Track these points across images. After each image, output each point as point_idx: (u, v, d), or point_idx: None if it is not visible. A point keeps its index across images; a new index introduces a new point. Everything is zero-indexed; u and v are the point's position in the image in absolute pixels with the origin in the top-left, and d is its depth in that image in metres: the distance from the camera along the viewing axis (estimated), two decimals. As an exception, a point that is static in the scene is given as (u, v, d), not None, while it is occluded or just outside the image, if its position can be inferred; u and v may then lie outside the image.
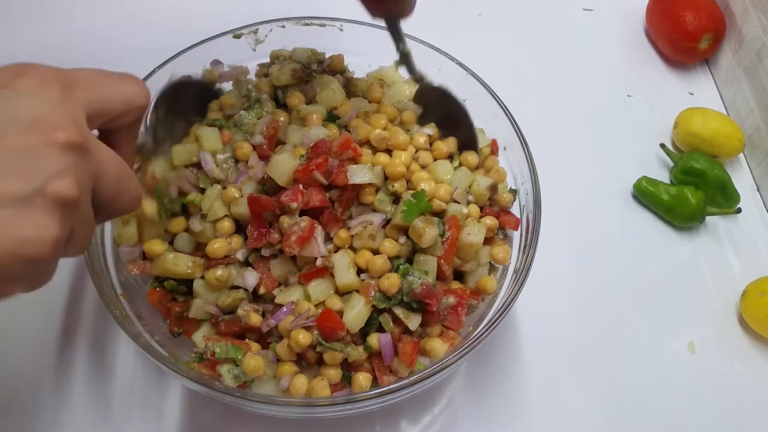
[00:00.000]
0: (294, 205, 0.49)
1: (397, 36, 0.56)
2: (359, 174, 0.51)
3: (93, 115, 0.35)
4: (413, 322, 0.50)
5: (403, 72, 0.64)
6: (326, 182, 0.50)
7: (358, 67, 0.63)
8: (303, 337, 0.47)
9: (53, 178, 0.30)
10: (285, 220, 0.49)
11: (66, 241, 0.32)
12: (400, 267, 0.51)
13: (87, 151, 0.32)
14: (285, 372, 0.48)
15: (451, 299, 0.51)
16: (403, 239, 0.51)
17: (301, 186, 0.50)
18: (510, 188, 0.59)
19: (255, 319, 0.49)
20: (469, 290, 0.53)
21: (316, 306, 0.49)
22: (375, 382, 0.50)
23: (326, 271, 0.50)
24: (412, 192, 0.52)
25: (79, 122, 0.32)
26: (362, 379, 0.49)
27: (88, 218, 0.34)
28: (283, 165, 0.50)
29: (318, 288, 0.50)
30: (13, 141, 0.30)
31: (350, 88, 0.60)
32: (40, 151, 0.30)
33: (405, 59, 0.57)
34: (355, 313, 0.48)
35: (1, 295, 0.30)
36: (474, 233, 0.52)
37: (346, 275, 0.49)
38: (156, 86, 0.59)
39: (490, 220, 0.54)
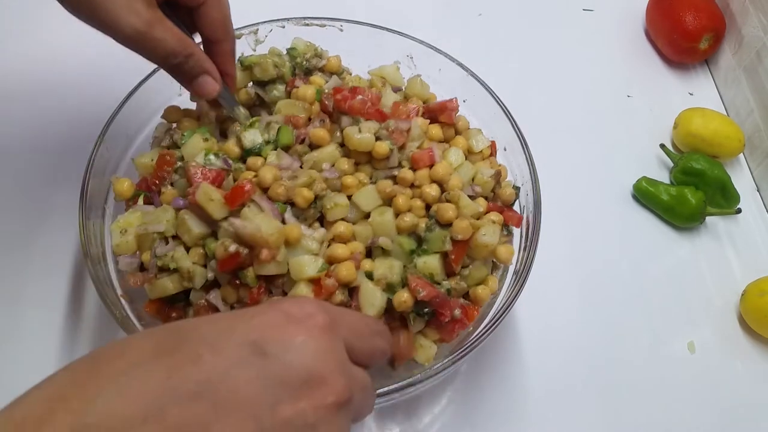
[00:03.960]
0: None
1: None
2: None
3: (349, 349, 0.34)
4: (416, 325, 0.50)
5: (404, 71, 0.65)
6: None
7: (358, 67, 0.63)
8: None
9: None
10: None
11: None
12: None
13: (350, 401, 0.31)
14: None
15: (458, 312, 0.50)
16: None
17: None
18: (514, 185, 0.58)
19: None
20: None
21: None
22: None
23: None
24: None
25: (344, 368, 0.32)
26: None
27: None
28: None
29: None
30: (284, 412, 0.28)
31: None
32: (312, 419, 0.29)
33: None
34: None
35: None
36: (489, 234, 0.51)
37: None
38: (156, 86, 0.59)
39: (495, 216, 0.53)
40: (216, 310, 0.49)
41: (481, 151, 0.59)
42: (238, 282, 0.48)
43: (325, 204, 0.50)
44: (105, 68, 0.74)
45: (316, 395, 0.29)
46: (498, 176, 0.55)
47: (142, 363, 0.28)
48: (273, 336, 0.30)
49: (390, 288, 0.49)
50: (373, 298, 0.48)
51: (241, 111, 0.55)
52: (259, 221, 0.47)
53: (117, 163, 0.58)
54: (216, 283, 0.50)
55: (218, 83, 0.51)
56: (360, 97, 0.54)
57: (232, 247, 0.46)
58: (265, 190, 0.50)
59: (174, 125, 0.57)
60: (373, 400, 0.36)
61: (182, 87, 0.54)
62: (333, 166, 0.52)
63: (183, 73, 0.49)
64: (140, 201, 0.54)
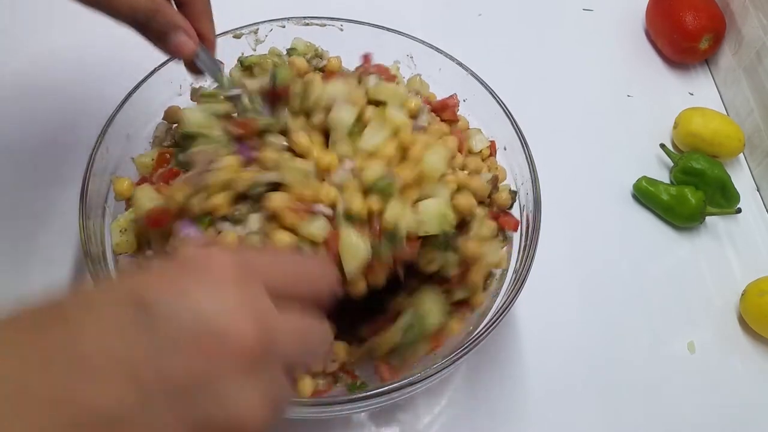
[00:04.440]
0: None
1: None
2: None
3: (274, 294, 0.29)
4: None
5: (404, 71, 0.65)
6: None
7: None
8: None
9: (227, 412, 0.25)
10: None
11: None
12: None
13: (269, 354, 0.27)
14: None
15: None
16: None
17: None
18: (510, 189, 0.59)
19: None
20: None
21: None
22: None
23: None
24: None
25: (259, 316, 0.27)
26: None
27: (285, 391, 0.29)
28: None
29: None
30: (171, 371, 0.24)
31: None
32: (208, 379, 0.25)
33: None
34: None
35: None
36: (493, 252, 0.51)
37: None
38: (156, 86, 0.59)
39: (493, 222, 0.54)
40: None
41: (481, 151, 0.59)
42: None
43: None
44: (105, 68, 0.74)
45: (214, 350, 0.25)
46: (495, 180, 0.56)
47: (17, 333, 0.25)
48: (161, 289, 0.26)
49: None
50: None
51: (225, 77, 0.50)
52: None
53: (117, 162, 0.58)
54: None
55: (194, 41, 0.46)
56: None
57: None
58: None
59: (174, 125, 0.57)
60: (319, 343, 0.32)
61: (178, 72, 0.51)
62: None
63: (152, 30, 0.44)
64: None
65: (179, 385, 0.25)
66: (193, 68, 0.49)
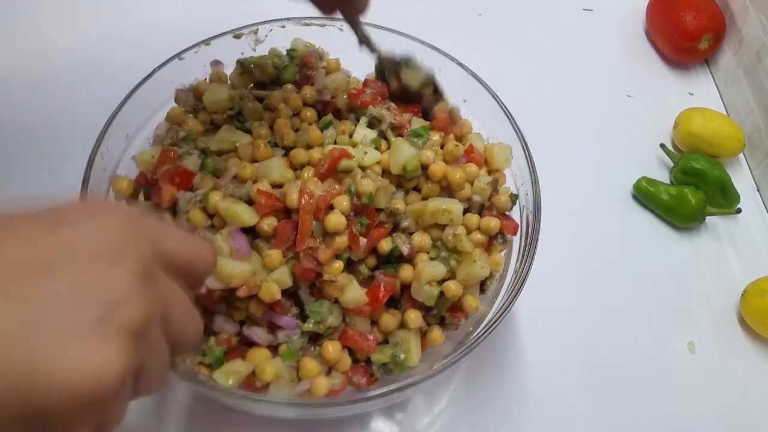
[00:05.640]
0: None
1: (357, 29, 0.57)
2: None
3: (157, 260, 0.32)
4: None
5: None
6: None
7: (359, 67, 0.63)
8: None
9: (118, 306, 0.27)
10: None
11: (136, 377, 0.29)
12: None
13: (153, 280, 0.30)
14: (309, 374, 0.48)
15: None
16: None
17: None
18: (511, 193, 0.58)
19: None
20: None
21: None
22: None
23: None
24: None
25: (144, 252, 0.30)
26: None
27: (160, 351, 0.31)
28: None
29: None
30: (76, 273, 0.28)
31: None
32: (104, 280, 0.28)
33: (366, 43, 0.58)
34: None
35: None
36: (485, 266, 0.51)
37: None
38: (156, 85, 0.59)
39: (493, 222, 0.54)
40: None
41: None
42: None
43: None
44: (105, 68, 0.74)
45: (112, 262, 0.28)
46: (495, 183, 0.56)
47: None
48: (71, 213, 0.32)
49: None
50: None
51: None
52: (230, 269, 0.46)
53: (117, 162, 0.58)
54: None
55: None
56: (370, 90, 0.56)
57: (203, 289, 0.47)
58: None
59: (175, 126, 0.57)
60: (193, 325, 0.34)
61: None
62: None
63: None
64: (141, 197, 0.54)
65: (84, 279, 0.27)
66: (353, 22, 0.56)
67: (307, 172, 0.52)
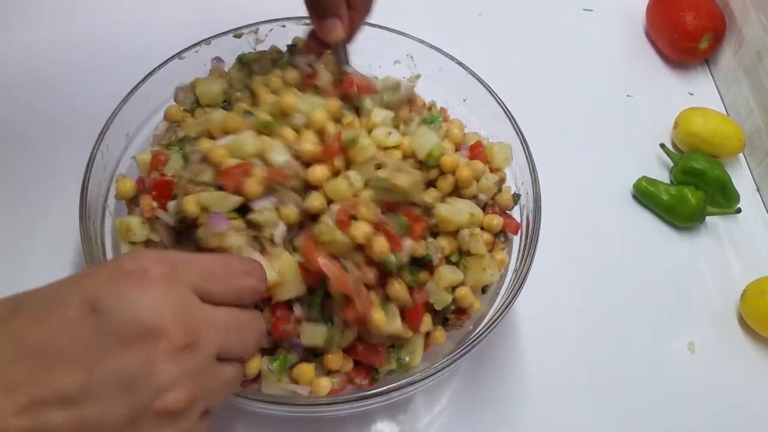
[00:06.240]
0: None
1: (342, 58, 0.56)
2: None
3: (201, 295, 0.35)
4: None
5: (404, 71, 0.65)
6: None
7: (358, 67, 0.63)
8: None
9: (159, 395, 0.30)
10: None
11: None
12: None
13: (197, 345, 0.32)
14: (306, 376, 0.48)
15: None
16: None
17: None
18: (514, 192, 0.58)
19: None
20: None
21: None
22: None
23: None
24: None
25: (186, 315, 0.32)
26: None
27: (219, 385, 0.35)
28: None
29: None
30: (114, 362, 0.30)
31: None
32: (143, 368, 0.30)
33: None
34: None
35: None
36: (494, 273, 0.51)
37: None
38: (157, 85, 0.59)
39: (496, 220, 0.53)
40: None
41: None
42: None
43: None
44: (105, 67, 0.74)
45: (149, 344, 0.30)
46: (500, 183, 0.56)
47: None
48: (105, 292, 0.31)
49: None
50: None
51: (350, 67, 0.56)
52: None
53: (117, 161, 0.58)
54: None
55: (345, 32, 0.53)
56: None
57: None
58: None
59: (174, 124, 0.57)
60: (252, 335, 0.37)
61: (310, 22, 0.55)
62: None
63: (321, 8, 0.51)
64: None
65: (119, 372, 0.30)
66: (323, 47, 0.56)
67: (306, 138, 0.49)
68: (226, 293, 0.36)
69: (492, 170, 0.57)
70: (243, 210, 0.47)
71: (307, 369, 0.47)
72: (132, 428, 0.30)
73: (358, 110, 0.54)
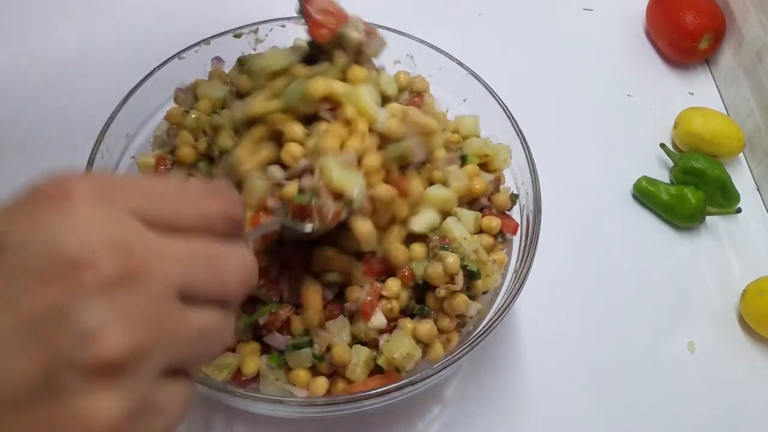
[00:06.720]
0: None
1: None
2: None
3: (150, 221, 0.27)
4: None
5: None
6: None
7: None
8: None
9: (85, 342, 0.23)
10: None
11: (142, 414, 0.25)
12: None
13: (140, 278, 0.25)
14: (301, 379, 0.48)
15: None
16: None
17: None
18: (512, 193, 0.58)
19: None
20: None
21: None
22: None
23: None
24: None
25: (121, 241, 0.25)
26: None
27: (190, 338, 0.27)
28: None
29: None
30: (21, 306, 0.23)
31: None
32: (59, 308, 0.23)
33: None
34: None
35: None
36: (498, 278, 0.52)
37: None
38: (156, 85, 0.59)
39: (494, 221, 0.54)
40: None
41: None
42: None
43: None
44: (105, 67, 0.74)
45: (69, 276, 0.23)
46: (497, 182, 0.56)
47: None
48: (14, 224, 0.25)
49: None
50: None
51: None
52: None
53: (117, 162, 0.58)
54: None
55: None
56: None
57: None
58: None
59: (174, 125, 0.57)
60: (233, 270, 0.29)
61: None
62: None
63: None
64: None
65: (26, 318, 0.23)
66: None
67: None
68: (186, 219, 0.28)
69: (491, 171, 0.57)
70: None
71: (302, 373, 0.48)
72: (50, 393, 0.23)
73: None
